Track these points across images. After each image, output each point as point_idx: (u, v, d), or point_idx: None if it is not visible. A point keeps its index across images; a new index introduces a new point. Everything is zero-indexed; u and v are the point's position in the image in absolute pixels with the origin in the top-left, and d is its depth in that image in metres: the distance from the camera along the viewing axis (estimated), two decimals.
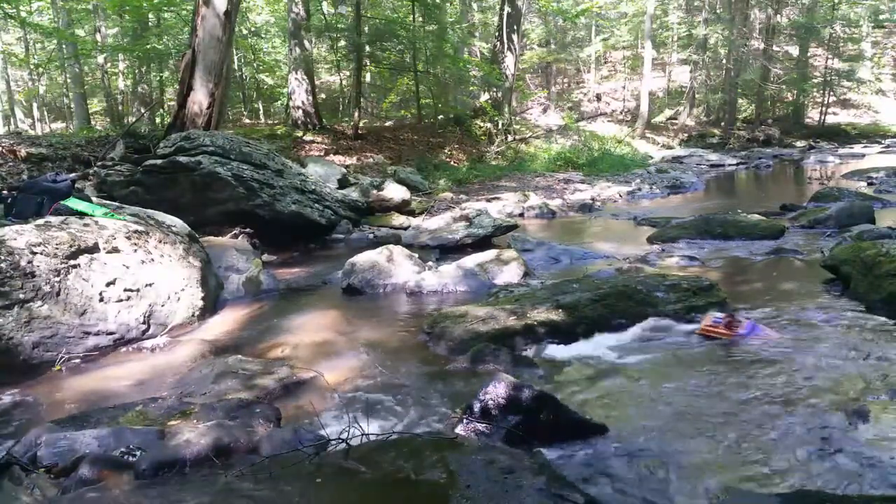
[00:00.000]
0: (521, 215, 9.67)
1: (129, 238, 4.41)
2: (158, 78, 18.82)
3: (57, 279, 3.84)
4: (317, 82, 17.34)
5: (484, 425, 2.65)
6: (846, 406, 2.86)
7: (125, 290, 4.20)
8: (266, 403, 3.11)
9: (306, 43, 15.44)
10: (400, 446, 2.38)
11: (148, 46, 16.12)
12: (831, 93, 25.86)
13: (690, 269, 5.66)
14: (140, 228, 4.61)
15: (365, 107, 18.97)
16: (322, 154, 12.62)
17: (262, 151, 7.81)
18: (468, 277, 5.47)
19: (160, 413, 3.01)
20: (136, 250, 4.40)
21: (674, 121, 24.99)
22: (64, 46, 17.99)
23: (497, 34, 18.06)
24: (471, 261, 5.80)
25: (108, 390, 3.50)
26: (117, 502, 2.22)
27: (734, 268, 5.80)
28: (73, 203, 4.68)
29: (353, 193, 8.97)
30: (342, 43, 16.96)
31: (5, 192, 4.86)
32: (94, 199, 5.22)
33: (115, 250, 4.27)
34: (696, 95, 25.46)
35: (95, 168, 8.53)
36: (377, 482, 2.16)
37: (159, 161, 7.09)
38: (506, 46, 17.19)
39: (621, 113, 25.46)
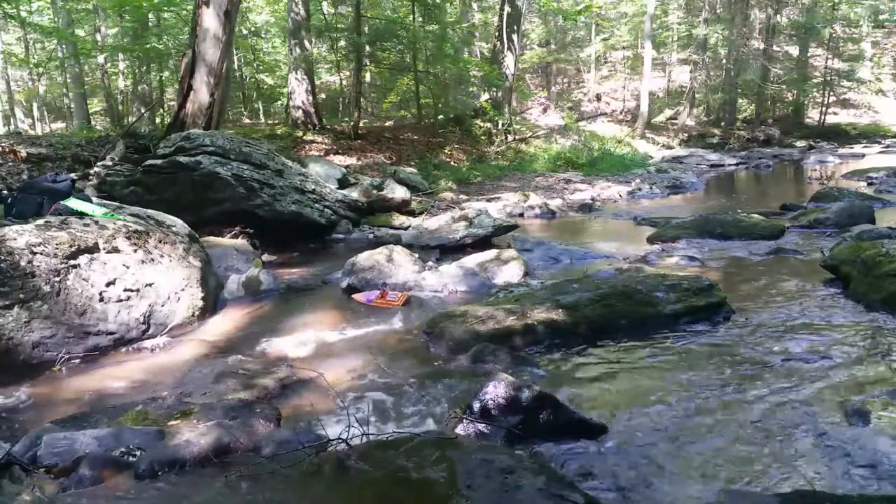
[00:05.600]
0: (522, 215, 9.67)
1: (129, 238, 4.41)
2: (158, 78, 18.81)
3: (57, 279, 3.84)
4: (317, 82, 17.34)
5: (484, 425, 2.65)
6: (846, 406, 2.86)
7: (125, 290, 4.20)
8: (266, 403, 3.11)
9: (306, 43, 15.44)
10: (400, 446, 2.38)
11: (148, 46, 16.12)
12: (831, 93, 25.86)
13: (690, 269, 5.66)
14: (140, 228, 4.61)
15: (365, 107, 18.96)
16: (322, 154, 12.61)
17: (262, 151, 7.81)
18: (468, 277, 5.47)
19: (160, 413, 3.01)
20: (136, 250, 4.40)
21: (674, 121, 24.98)
22: (64, 46, 17.98)
23: (497, 34, 18.06)
24: (471, 261, 5.80)
25: (108, 390, 3.50)
26: (117, 502, 2.22)
27: (734, 268, 5.80)
28: (73, 203, 4.68)
29: (353, 193, 8.96)
30: (342, 43, 16.95)
31: (5, 192, 4.86)
32: (94, 199, 5.22)
33: (115, 250, 4.27)
34: (696, 95, 25.45)
35: (95, 168, 8.53)
36: (377, 482, 2.16)
37: (159, 161, 7.08)
38: (506, 46, 17.19)
39: (621, 113, 25.46)
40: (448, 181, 12.26)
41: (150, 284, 4.38)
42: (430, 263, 6.02)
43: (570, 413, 2.75)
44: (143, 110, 17.52)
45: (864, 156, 18.76)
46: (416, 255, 5.96)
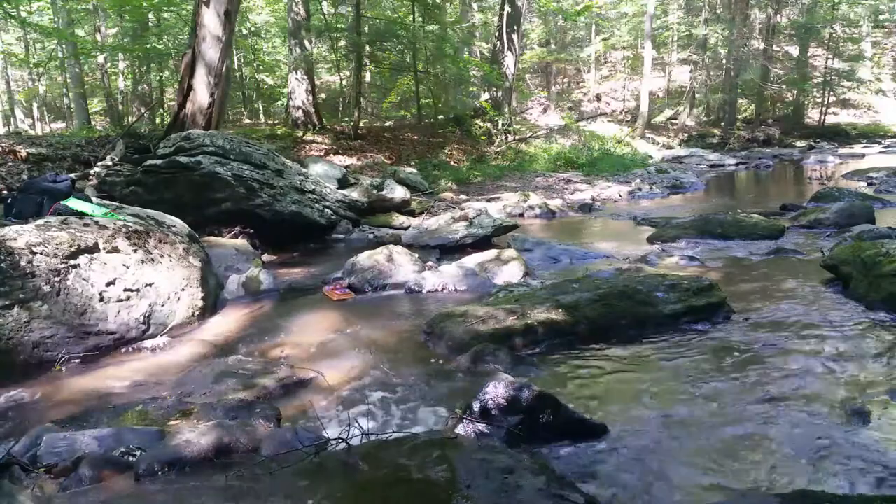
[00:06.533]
0: (522, 215, 9.67)
1: (128, 238, 4.41)
2: (158, 78, 18.82)
3: (57, 279, 3.84)
4: (317, 82, 17.34)
5: (484, 425, 2.65)
6: (846, 406, 2.86)
7: (125, 290, 4.20)
8: (266, 403, 3.11)
9: (306, 43, 15.44)
10: (400, 446, 2.38)
11: (148, 46, 16.12)
12: (831, 93, 25.86)
13: (690, 269, 5.66)
14: (140, 228, 4.61)
15: (365, 107, 18.97)
16: (322, 154, 12.62)
17: (262, 151, 7.81)
18: (468, 277, 5.47)
19: (160, 413, 3.01)
20: (136, 250, 4.40)
21: (674, 121, 24.99)
22: (64, 46, 17.98)
23: (497, 34, 18.07)
24: (471, 261, 5.80)
25: (108, 390, 3.50)
26: (117, 502, 2.22)
27: (734, 268, 5.80)
28: (73, 203, 4.68)
29: (353, 193, 8.96)
30: (342, 43, 16.96)
31: (5, 192, 4.86)
32: (94, 199, 5.22)
33: (115, 250, 4.27)
34: (696, 95, 25.46)
35: (95, 168, 8.53)
36: (377, 482, 2.16)
37: (159, 161, 7.08)
38: (506, 46, 17.20)
39: (621, 113, 25.46)
40: (448, 181, 12.26)
41: (150, 284, 4.38)
42: (430, 263, 6.02)
43: (570, 413, 2.75)
44: (143, 110, 17.52)
45: (864, 156, 18.76)
46: (416, 255, 5.96)
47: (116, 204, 5.35)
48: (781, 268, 5.63)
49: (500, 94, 17.70)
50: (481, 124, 17.15)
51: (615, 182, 13.05)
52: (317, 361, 3.80)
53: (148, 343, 4.24)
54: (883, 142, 22.97)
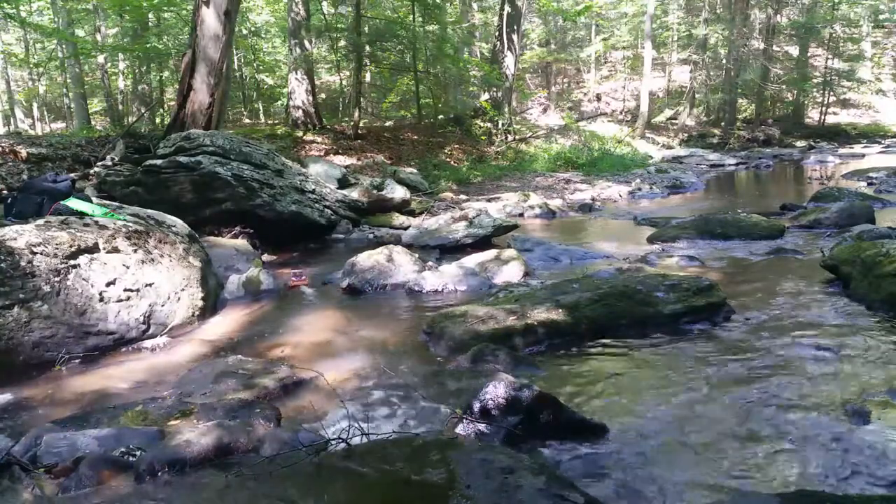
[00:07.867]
0: (522, 215, 9.67)
1: (129, 238, 4.41)
2: (158, 78, 18.84)
3: (57, 279, 3.84)
4: (317, 82, 17.34)
5: (484, 425, 2.65)
6: (846, 406, 2.86)
7: (125, 290, 4.20)
8: (266, 403, 3.11)
9: (306, 43, 15.44)
10: (400, 446, 2.38)
11: (148, 46, 16.13)
12: (831, 93, 25.87)
13: (690, 269, 5.66)
14: (140, 228, 4.61)
15: (365, 107, 18.97)
16: (322, 154, 12.62)
17: (262, 151, 7.81)
18: (468, 277, 5.47)
19: (160, 413, 3.01)
20: (136, 250, 4.40)
21: (674, 121, 24.99)
22: (64, 46, 17.99)
23: (497, 34, 18.08)
24: (471, 260, 5.81)
25: (108, 390, 3.50)
26: (117, 502, 2.22)
27: (734, 268, 5.80)
28: (73, 203, 4.68)
29: (353, 193, 8.96)
30: (342, 43, 16.96)
31: (5, 192, 4.86)
32: (94, 199, 5.22)
33: (115, 250, 4.27)
34: (696, 95, 25.45)
35: (95, 168, 8.53)
36: (377, 482, 2.16)
37: (159, 161, 7.08)
38: (506, 46, 17.20)
39: (621, 113, 25.46)
40: (448, 181, 12.26)
41: (150, 284, 4.38)
42: (430, 263, 6.02)
43: (570, 413, 2.75)
44: (143, 110, 17.53)
45: (864, 156, 18.76)
46: (416, 255, 5.96)
47: (116, 204, 5.35)
48: (781, 268, 5.63)
49: (500, 94, 17.71)
50: (481, 124, 17.16)
51: (615, 182, 13.05)
52: (317, 361, 3.80)
53: (148, 343, 4.24)
54: (883, 142, 22.97)
